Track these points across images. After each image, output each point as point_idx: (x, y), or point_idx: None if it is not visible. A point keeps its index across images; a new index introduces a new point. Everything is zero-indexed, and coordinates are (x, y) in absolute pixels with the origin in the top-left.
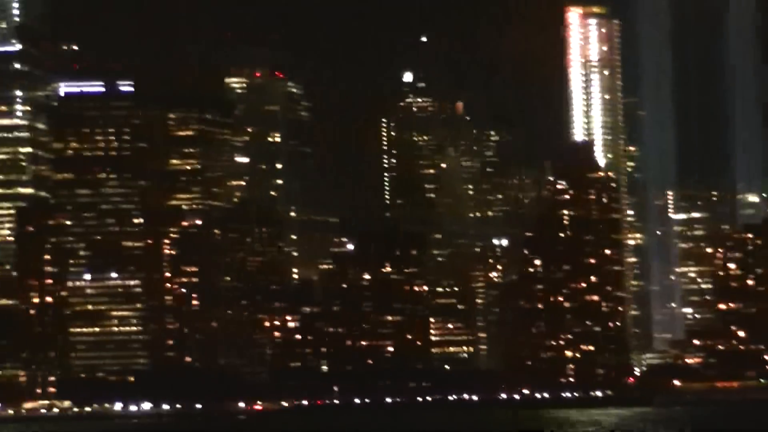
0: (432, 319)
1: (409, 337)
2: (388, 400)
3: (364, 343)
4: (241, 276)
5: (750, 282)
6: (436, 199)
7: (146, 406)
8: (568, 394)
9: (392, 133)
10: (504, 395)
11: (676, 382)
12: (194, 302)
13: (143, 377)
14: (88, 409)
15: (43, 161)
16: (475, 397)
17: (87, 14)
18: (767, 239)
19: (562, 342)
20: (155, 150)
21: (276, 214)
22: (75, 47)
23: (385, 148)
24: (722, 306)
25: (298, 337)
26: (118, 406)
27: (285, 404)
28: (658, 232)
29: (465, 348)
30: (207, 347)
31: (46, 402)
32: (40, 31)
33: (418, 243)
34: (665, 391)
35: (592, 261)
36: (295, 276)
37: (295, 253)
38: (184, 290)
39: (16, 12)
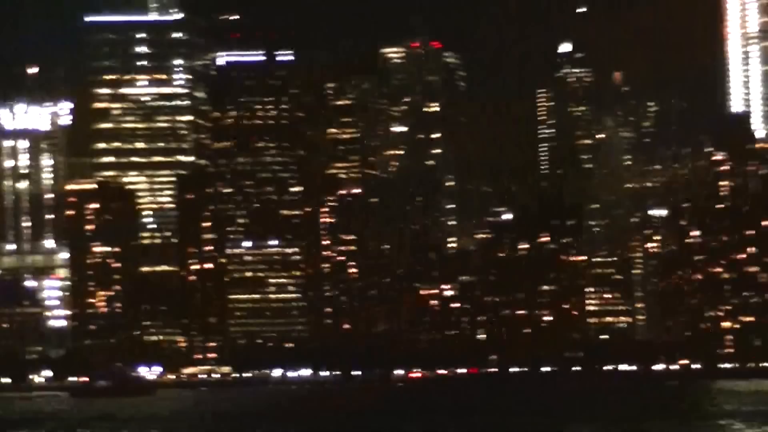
0: (588, 290)
1: (566, 306)
2: (544, 369)
3: (520, 312)
4: (399, 244)
5: None
6: (593, 169)
7: (305, 372)
8: (727, 365)
9: (549, 104)
10: (661, 366)
11: None
12: (352, 270)
13: (301, 344)
14: (247, 375)
15: (203, 130)
16: (632, 368)
17: None
18: None
19: (720, 313)
20: (313, 119)
21: (433, 183)
22: (235, 16)
23: (542, 118)
24: None
25: (455, 305)
26: (276, 372)
27: (442, 372)
28: None
29: (622, 318)
30: (364, 315)
31: (206, 368)
32: (201, 1)
33: (575, 213)
34: None
35: (751, 232)
36: (452, 245)
37: (452, 222)
38: (342, 258)
39: None
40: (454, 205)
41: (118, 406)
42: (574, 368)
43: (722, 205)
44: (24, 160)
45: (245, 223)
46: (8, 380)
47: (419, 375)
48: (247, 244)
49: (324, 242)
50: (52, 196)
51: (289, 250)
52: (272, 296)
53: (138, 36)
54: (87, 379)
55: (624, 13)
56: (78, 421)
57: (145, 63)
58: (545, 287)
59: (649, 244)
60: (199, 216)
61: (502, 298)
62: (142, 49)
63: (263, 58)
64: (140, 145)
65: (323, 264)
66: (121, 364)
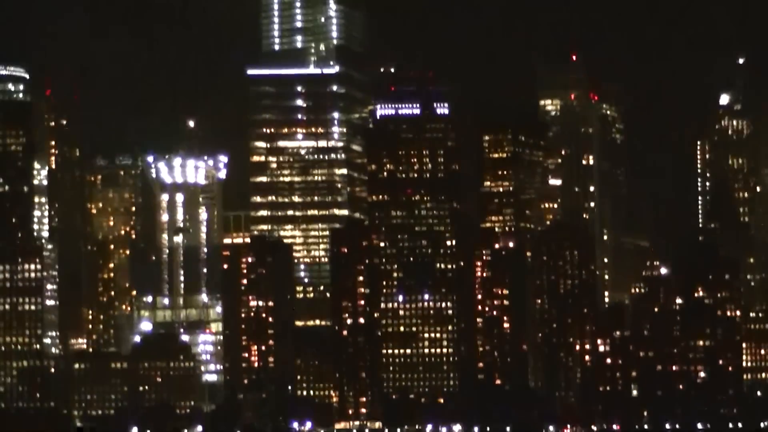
0: (744, 345)
1: (721, 362)
2: (699, 426)
3: (675, 367)
4: (553, 298)
5: None
6: (750, 222)
7: (456, 427)
8: None
9: (707, 156)
10: None
11: None
12: (505, 324)
13: (454, 398)
14: (399, 430)
15: (359, 182)
16: None
17: (405, 37)
18: None
19: None
20: (469, 172)
21: (589, 237)
22: (392, 69)
23: (699, 170)
24: None
25: (609, 360)
26: (428, 427)
27: (594, 428)
28: None
29: None
30: (517, 369)
31: (358, 423)
32: (359, 53)
33: (732, 267)
34: None
35: None
36: (607, 299)
37: (607, 276)
38: (495, 312)
39: (335, 34)
40: (607, 259)
41: None
42: (729, 425)
43: None
44: (180, 213)
45: (399, 277)
46: None
47: (571, 431)
48: (401, 297)
49: (478, 296)
50: (206, 249)
51: (442, 304)
52: (425, 350)
53: (297, 89)
54: None
55: None
56: None
57: (302, 116)
58: (700, 342)
59: None
60: (353, 270)
61: (656, 353)
62: (301, 102)
63: (419, 111)
64: (296, 198)
65: (477, 318)
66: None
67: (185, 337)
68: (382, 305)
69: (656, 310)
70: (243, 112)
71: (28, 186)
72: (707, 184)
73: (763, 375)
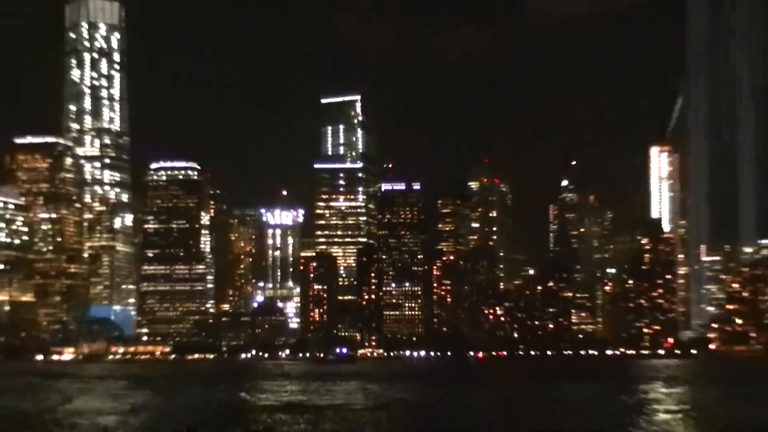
0: (573, 311)
1: (561, 320)
2: (549, 352)
3: (537, 322)
4: (474, 287)
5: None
6: (578, 247)
7: (422, 352)
8: None
9: (555, 212)
10: None
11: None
12: (448, 299)
13: (421, 338)
14: (392, 353)
15: (372, 224)
16: None
17: (398, 147)
18: None
19: None
20: (431, 219)
21: (493, 255)
22: (390, 165)
23: (551, 220)
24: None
25: (502, 319)
26: (407, 352)
27: (494, 353)
28: None
29: None
30: (455, 324)
31: (370, 350)
32: (372, 157)
33: (567, 270)
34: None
35: None
36: (502, 286)
37: (502, 275)
38: (443, 294)
39: (360, 146)
40: (503, 266)
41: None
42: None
43: None
44: (278, 241)
45: (392, 275)
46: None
47: None
48: (393, 285)
49: (434, 285)
50: (291, 259)
51: (415, 289)
52: (406, 313)
53: (340, 175)
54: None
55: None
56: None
57: (342, 189)
58: (550, 309)
59: None
60: (368, 271)
61: (527, 315)
62: (342, 182)
63: (404, 187)
64: (338, 232)
65: (433, 297)
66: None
67: (280, 304)
68: (383, 289)
69: (527, 292)
70: (311, 186)
71: (198, 224)
72: (554, 227)
73: (588, 327)
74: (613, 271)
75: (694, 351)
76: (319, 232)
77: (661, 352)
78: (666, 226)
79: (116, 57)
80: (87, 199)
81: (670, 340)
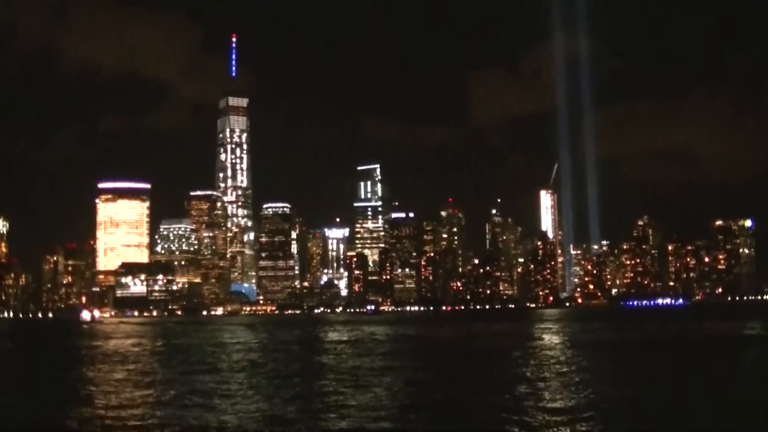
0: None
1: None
2: (473, 306)
3: (479, 289)
4: (446, 273)
5: None
6: (503, 257)
7: (414, 307)
8: None
9: (487, 234)
10: None
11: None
12: (430, 278)
13: (416, 303)
14: (401, 308)
15: (386, 237)
16: None
17: (406, 189)
18: None
19: None
20: (418, 239)
21: (455, 260)
22: (397, 203)
23: (488, 239)
24: None
25: (459, 286)
26: (408, 308)
27: (446, 308)
28: None
29: None
30: (433, 293)
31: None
32: (388, 198)
33: (496, 262)
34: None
35: None
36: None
37: (460, 269)
38: (429, 277)
39: (379, 193)
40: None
41: None
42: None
43: None
44: (334, 247)
45: (398, 267)
46: None
47: None
48: (399, 271)
49: (422, 271)
50: (341, 258)
51: (412, 272)
52: (405, 287)
53: (369, 213)
54: None
55: None
56: None
57: (371, 218)
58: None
59: None
60: (386, 264)
61: (466, 282)
62: (370, 214)
63: (404, 216)
64: (369, 242)
65: (422, 283)
66: None
67: (336, 282)
68: (393, 273)
69: (474, 273)
70: (352, 215)
71: (289, 238)
72: (489, 236)
73: (508, 292)
74: (522, 260)
75: (567, 304)
76: (357, 242)
77: (550, 305)
78: (550, 234)
79: (245, 147)
80: (229, 225)
81: (551, 298)
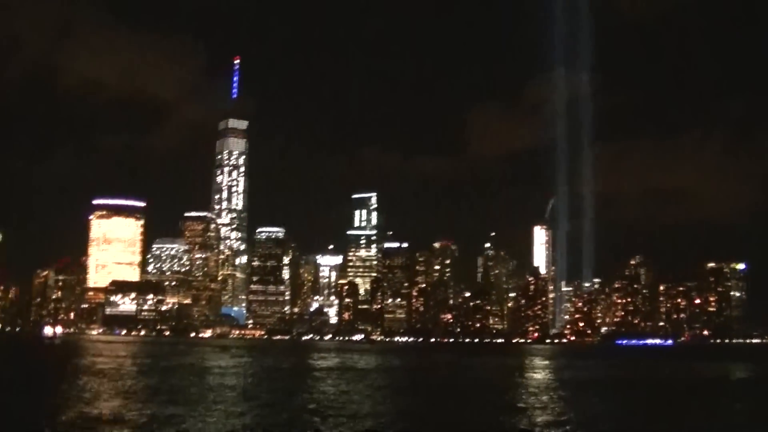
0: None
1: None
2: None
3: (469, 323)
4: (439, 300)
5: None
6: (495, 290)
7: (403, 338)
8: None
9: (479, 268)
10: None
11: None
12: (421, 309)
13: (403, 324)
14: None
15: (380, 266)
16: None
17: (402, 218)
18: None
19: None
20: (410, 266)
21: (445, 289)
22: (391, 232)
23: (480, 273)
24: None
25: (450, 319)
26: (403, 339)
27: (432, 340)
28: None
29: None
30: (419, 321)
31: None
32: (384, 226)
33: (489, 296)
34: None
35: None
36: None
37: (452, 294)
38: (417, 302)
39: (374, 221)
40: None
41: None
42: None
43: None
44: (326, 273)
45: (390, 291)
46: None
47: None
48: (392, 299)
49: (413, 300)
50: (335, 282)
51: (403, 301)
52: (395, 315)
53: (362, 242)
54: None
55: None
56: None
57: (364, 246)
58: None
59: None
60: (380, 288)
61: (458, 314)
62: (363, 242)
63: (398, 245)
64: (366, 264)
65: (413, 312)
66: None
67: (326, 309)
68: (384, 302)
69: (464, 305)
70: (346, 243)
71: (281, 263)
72: (481, 269)
73: (498, 326)
74: (513, 295)
75: (556, 340)
76: (350, 270)
77: (538, 341)
78: (543, 269)
79: (242, 169)
80: (222, 247)
81: (537, 334)
